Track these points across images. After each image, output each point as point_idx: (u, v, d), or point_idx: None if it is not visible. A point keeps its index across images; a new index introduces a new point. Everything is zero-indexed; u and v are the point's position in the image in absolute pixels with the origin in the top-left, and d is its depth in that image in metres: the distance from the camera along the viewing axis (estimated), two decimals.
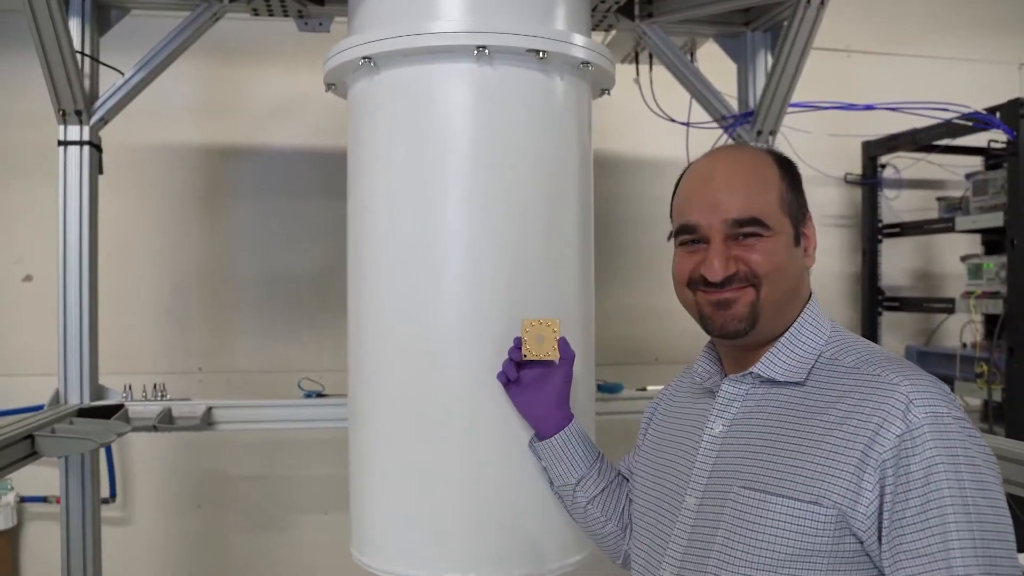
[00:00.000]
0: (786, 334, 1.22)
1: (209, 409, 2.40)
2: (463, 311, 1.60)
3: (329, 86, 1.84)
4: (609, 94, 1.90)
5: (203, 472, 3.19)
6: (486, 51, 1.56)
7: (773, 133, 2.61)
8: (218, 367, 3.20)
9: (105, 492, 3.03)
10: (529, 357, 1.51)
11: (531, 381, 1.55)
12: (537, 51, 1.59)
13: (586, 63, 1.68)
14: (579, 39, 1.66)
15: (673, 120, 2.83)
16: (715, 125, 2.72)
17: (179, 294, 3.18)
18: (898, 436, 1.04)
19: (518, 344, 1.53)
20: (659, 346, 3.44)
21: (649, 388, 2.68)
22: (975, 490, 1.01)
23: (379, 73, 1.65)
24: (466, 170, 1.60)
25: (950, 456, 1.02)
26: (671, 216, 1.30)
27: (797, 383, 1.18)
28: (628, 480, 1.52)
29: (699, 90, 2.67)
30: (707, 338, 1.34)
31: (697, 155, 1.33)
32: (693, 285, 1.23)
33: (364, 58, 1.62)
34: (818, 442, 1.10)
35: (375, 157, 1.68)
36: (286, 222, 3.22)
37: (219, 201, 3.21)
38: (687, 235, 1.24)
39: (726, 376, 1.27)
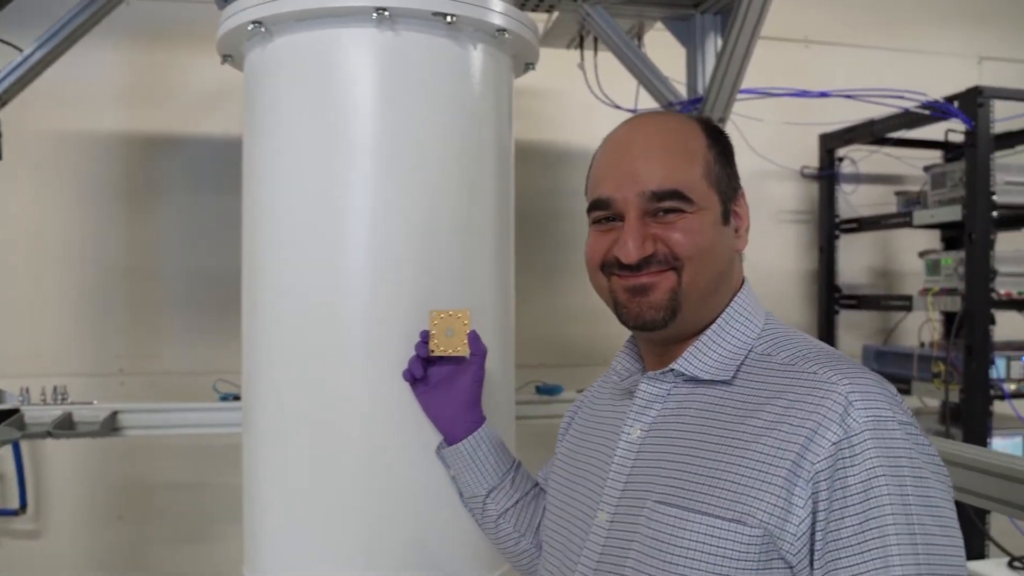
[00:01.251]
0: (712, 326, 1.07)
1: (114, 414, 2.22)
2: (366, 299, 1.44)
3: (225, 58, 1.67)
4: (534, 68, 1.74)
5: (124, 480, 2.98)
6: (387, 14, 1.40)
7: (723, 120, 2.49)
8: (141, 369, 3.00)
9: (15, 502, 2.84)
10: (437, 352, 1.36)
11: (439, 380, 1.39)
12: (444, 15, 1.43)
13: (502, 30, 1.52)
14: (494, 4, 1.51)
15: (619, 107, 2.69)
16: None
17: (100, 292, 2.97)
18: (834, 444, 0.89)
19: (425, 338, 1.37)
20: (613, 347, 3.28)
21: None
22: (921, 507, 0.87)
23: (273, 40, 1.49)
24: (367, 145, 1.43)
25: (894, 467, 0.88)
26: (585, 192, 1.14)
27: (724, 382, 1.03)
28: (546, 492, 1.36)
29: (646, 75, 2.55)
30: None
31: None
32: (607, 269, 1.08)
33: (255, 23, 1.45)
34: (744, 450, 0.95)
35: (271, 132, 1.52)
36: (216, 217, 3.02)
37: (144, 194, 3.00)
38: (600, 211, 1.08)
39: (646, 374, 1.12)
